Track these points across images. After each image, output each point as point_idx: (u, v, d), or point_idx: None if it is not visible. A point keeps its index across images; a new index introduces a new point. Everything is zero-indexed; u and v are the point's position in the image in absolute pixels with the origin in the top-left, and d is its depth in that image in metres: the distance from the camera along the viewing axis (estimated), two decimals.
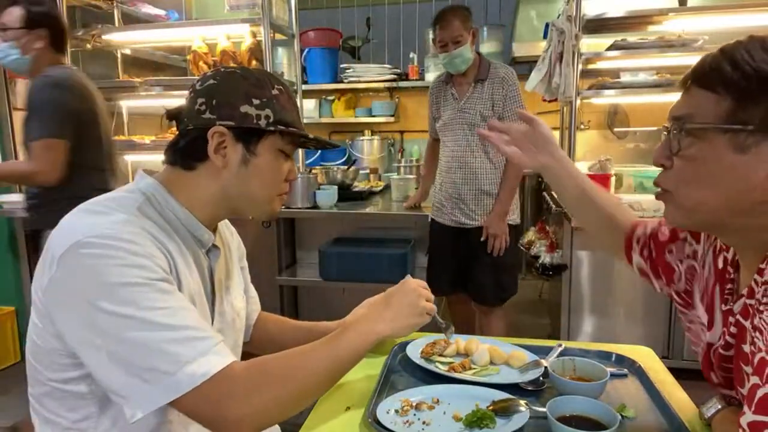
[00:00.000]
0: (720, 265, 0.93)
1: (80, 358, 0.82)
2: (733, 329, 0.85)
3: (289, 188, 1.05)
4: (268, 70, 2.94)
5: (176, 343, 0.78)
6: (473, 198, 2.60)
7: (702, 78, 0.76)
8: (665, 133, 0.83)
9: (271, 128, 0.93)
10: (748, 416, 0.66)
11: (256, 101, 0.93)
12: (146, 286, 0.79)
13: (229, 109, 0.92)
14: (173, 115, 0.98)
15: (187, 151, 0.95)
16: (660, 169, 0.84)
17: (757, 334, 0.71)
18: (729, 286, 0.90)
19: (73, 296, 0.79)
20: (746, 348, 0.79)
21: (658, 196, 0.86)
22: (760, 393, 0.65)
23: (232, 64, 3.10)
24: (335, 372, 0.90)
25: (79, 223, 0.84)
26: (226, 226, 1.16)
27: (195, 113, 0.93)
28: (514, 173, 2.59)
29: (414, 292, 1.00)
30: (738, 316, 0.84)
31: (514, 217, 2.71)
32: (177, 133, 0.97)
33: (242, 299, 1.15)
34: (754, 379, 0.67)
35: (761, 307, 0.72)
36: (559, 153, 1.09)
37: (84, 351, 0.80)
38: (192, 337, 0.79)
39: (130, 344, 0.77)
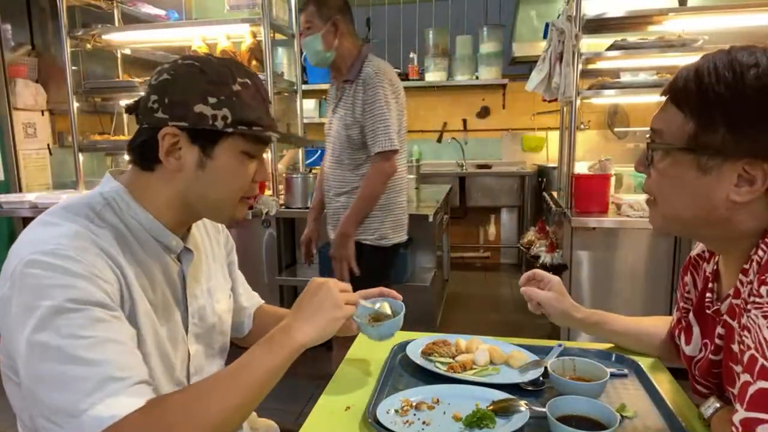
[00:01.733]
0: (701, 280, 0.98)
1: None
2: (721, 330, 0.86)
3: (285, 191, 1.02)
4: (268, 70, 2.94)
5: (88, 382, 0.72)
6: (337, 213, 2.28)
7: (675, 95, 0.80)
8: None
9: (229, 129, 0.86)
10: (740, 413, 0.67)
11: (212, 99, 0.85)
12: (76, 312, 0.74)
13: (182, 109, 0.85)
14: (132, 108, 0.92)
15: (141, 150, 0.89)
16: None
17: (745, 332, 0.72)
18: (708, 295, 0.93)
19: (12, 318, 0.76)
20: (735, 347, 0.80)
21: (647, 202, 0.90)
22: (751, 390, 0.66)
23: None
24: (249, 401, 0.82)
25: (30, 238, 0.81)
26: (210, 223, 1.11)
27: (148, 110, 0.87)
28: (368, 191, 2.14)
29: (322, 287, 0.93)
30: (725, 317, 0.85)
31: (373, 237, 2.23)
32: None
33: (227, 300, 1.11)
34: (745, 377, 0.68)
35: (748, 306, 0.74)
36: (572, 305, 1.17)
37: (21, 371, 0.76)
38: (107, 376, 0.73)
39: (42, 379, 0.73)
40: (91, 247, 0.80)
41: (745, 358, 0.69)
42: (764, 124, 0.72)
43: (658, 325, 1.17)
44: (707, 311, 0.93)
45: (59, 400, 0.71)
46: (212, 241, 1.10)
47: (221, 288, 1.09)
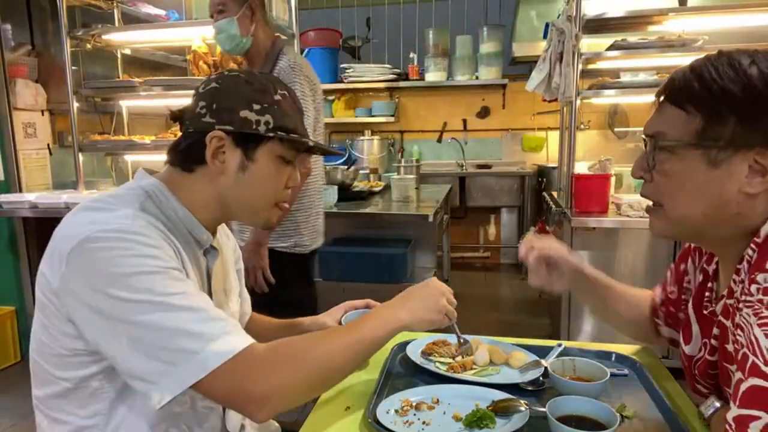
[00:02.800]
0: (701, 278, 0.98)
1: (101, 353, 0.82)
2: (716, 330, 0.87)
3: (290, 197, 1.05)
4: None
5: (197, 323, 0.78)
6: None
7: (673, 95, 0.80)
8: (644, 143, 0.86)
9: (270, 134, 0.93)
10: (733, 411, 0.67)
11: (256, 106, 0.92)
12: (159, 274, 0.80)
13: (228, 114, 0.91)
14: (177, 115, 0.98)
15: (186, 153, 0.95)
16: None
17: (739, 331, 0.73)
18: (707, 294, 0.93)
19: (87, 291, 0.79)
20: (729, 347, 0.81)
21: (647, 207, 0.89)
22: (743, 387, 0.67)
23: (233, 65, 3.10)
24: (356, 354, 0.89)
25: (84, 220, 0.84)
26: (222, 228, 1.15)
27: (196, 116, 0.93)
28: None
29: (436, 290, 1.01)
30: (720, 317, 0.86)
31: (288, 245, 2.10)
32: (180, 134, 0.97)
33: (238, 303, 1.15)
34: (738, 375, 0.69)
35: (740, 305, 0.74)
36: (574, 265, 1.12)
37: (105, 342, 0.80)
38: (211, 317, 0.80)
39: (150, 327, 0.77)
40: (150, 227, 0.85)
41: (739, 356, 0.70)
42: None
43: (647, 297, 1.16)
44: (705, 312, 0.94)
45: (178, 343, 0.77)
46: (225, 245, 1.14)
47: (233, 290, 1.13)
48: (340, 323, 1.18)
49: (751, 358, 0.67)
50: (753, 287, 0.71)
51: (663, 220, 0.85)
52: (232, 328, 0.81)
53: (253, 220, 1.03)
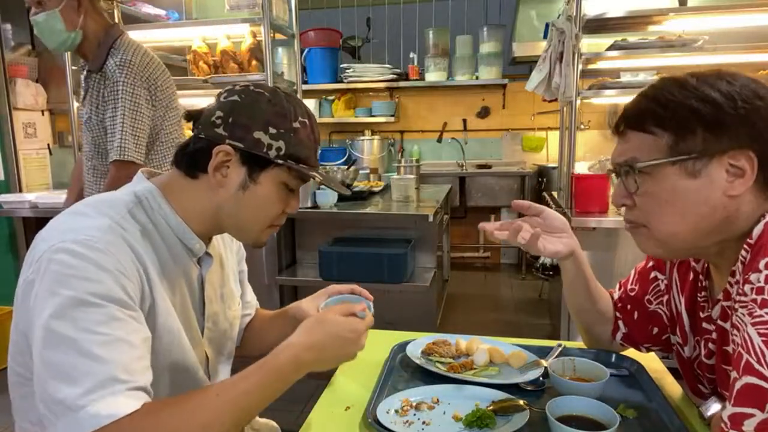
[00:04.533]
0: (691, 276, 0.98)
1: None
2: (714, 335, 0.87)
3: (284, 221, 1.02)
4: (268, 70, 2.94)
5: (92, 378, 0.71)
6: None
7: (634, 122, 0.84)
8: (613, 174, 0.89)
9: (279, 161, 0.91)
10: (728, 409, 0.68)
11: (272, 130, 0.90)
12: (95, 307, 0.75)
13: (242, 131, 0.89)
14: (192, 116, 0.96)
15: (192, 157, 0.93)
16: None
17: (735, 331, 0.74)
18: (703, 293, 0.93)
19: (33, 302, 0.78)
20: (729, 349, 0.81)
21: (630, 229, 0.90)
22: (738, 385, 0.68)
23: (233, 65, 3.09)
24: (243, 416, 0.81)
25: (61, 226, 0.83)
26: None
27: (210, 124, 0.91)
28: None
29: (356, 347, 0.91)
30: (718, 321, 0.86)
31: None
32: (191, 135, 0.96)
33: (237, 308, 1.13)
34: (733, 374, 0.70)
35: (736, 305, 0.75)
36: (576, 242, 1.10)
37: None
38: (112, 377, 0.72)
39: (51, 366, 0.73)
40: (120, 243, 0.82)
41: (735, 355, 0.71)
42: (735, 118, 0.76)
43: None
44: (701, 314, 0.94)
45: (62, 392, 0.71)
46: (227, 248, 1.12)
47: (233, 295, 1.11)
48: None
49: (745, 356, 0.67)
50: (747, 287, 0.72)
51: (651, 239, 0.86)
52: (127, 389, 0.73)
53: (243, 237, 1.02)
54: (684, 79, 0.82)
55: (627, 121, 0.86)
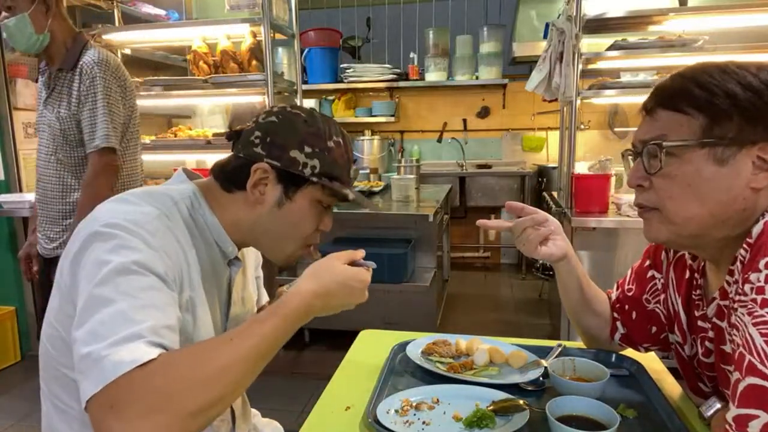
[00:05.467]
0: (687, 275, 0.98)
1: None
2: (711, 333, 0.87)
3: (318, 240, 1.03)
4: (268, 70, 2.94)
5: (120, 333, 0.71)
6: (53, 220, 2.05)
7: (669, 101, 0.81)
8: (630, 156, 0.87)
9: (314, 179, 0.94)
10: (732, 411, 0.68)
11: (308, 149, 0.93)
12: (138, 275, 0.77)
13: (279, 150, 0.93)
14: (233, 136, 0.99)
15: (231, 174, 0.96)
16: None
17: (734, 331, 0.74)
18: (698, 291, 0.93)
19: (83, 272, 0.79)
20: (727, 348, 0.81)
21: (642, 213, 0.89)
22: (741, 386, 0.67)
23: (233, 65, 3.09)
24: (259, 364, 0.79)
25: (110, 209, 0.86)
26: None
27: (249, 143, 0.94)
28: (91, 197, 1.89)
29: (360, 291, 0.93)
30: (714, 319, 0.86)
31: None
32: (231, 154, 0.98)
33: (254, 312, 1.16)
34: (736, 375, 0.69)
35: (735, 305, 0.75)
36: (569, 244, 1.09)
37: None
38: (137, 333, 0.72)
39: (85, 323, 0.73)
40: (166, 231, 0.85)
41: (735, 356, 0.70)
42: None
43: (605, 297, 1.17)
44: (696, 312, 0.94)
45: (89, 346, 0.71)
46: (248, 253, 1.14)
47: (251, 299, 1.14)
48: None
49: (748, 357, 0.67)
50: (747, 287, 0.72)
51: (663, 223, 0.84)
52: (148, 340, 0.72)
53: (276, 255, 1.03)
54: (725, 64, 0.79)
55: (659, 99, 0.83)
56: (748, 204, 0.78)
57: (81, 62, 1.93)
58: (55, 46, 1.98)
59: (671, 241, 0.88)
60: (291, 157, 0.93)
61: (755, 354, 0.66)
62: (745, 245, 0.76)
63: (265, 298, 1.26)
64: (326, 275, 0.90)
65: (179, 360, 0.73)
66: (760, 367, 0.65)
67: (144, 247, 0.80)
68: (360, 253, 0.97)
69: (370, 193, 3.40)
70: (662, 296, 1.05)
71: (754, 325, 0.68)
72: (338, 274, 0.90)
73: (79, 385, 0.72)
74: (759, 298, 0.69)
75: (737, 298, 0.75)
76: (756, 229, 0.75)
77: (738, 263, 0.78)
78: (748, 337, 0.68)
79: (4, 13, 1.92)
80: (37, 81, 2.13)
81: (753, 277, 0.71)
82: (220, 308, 1.00)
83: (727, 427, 0.67)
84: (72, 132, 1.98)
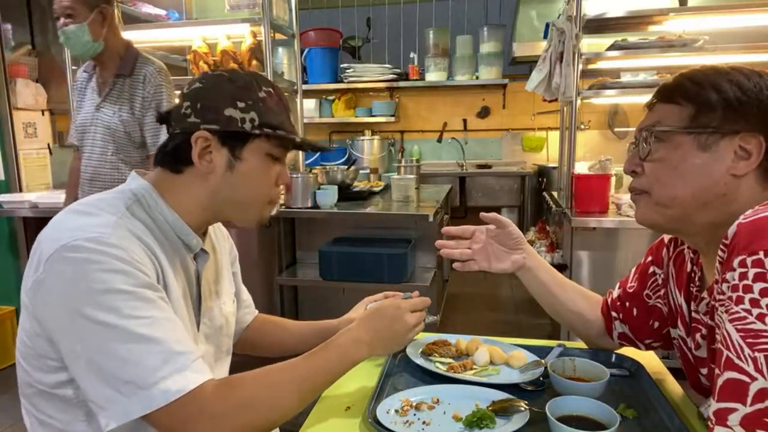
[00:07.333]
0: (687, 268, 1.00)
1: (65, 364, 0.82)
2: (704, 330, 0.89)
3: (286, 191, 1.06)
4: (268, 70, 2.94)
5: (154, 356, 0.77)
6: None
7: (666, 94, 0.90)
8: (634, 146, 0.94)
9: (257, 131, 0.92)
10: (713, 405, 0.69)
11: (241, 104, 0.91)
12: (129, 294, 0.78)
13: (213, 113, 0.90)
14: (163, 117, 0.97)
15: (174, 154, 0.94)
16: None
17: (717, 329, 0.77)
18: (697, 283, 0.95)
19: (57, 300, 0.78)
20: (715, 347, 0.82)
21: (633, 197, 0.95)
22: (720, 381, 0.69)
23: (233, 65, 3.09)
24: (309, 394, 0.90)
25: (67, 225, 0.83)
26: (219, 229, 1.15)
27: (181, 116, 0.92)
28: None
29: (400, 317, 1.00)
30: (705, 318, 0.88)
31: None
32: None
33: (232, 304, 1.14)
34: (717, 371, 0.71)
35: (717, 304, 0.78)
36: (532, 251, 1.20)
37: (67, 356, 0.80)
38: (171, 351, 0.78)
39: (108, 354, 0.76)
40: (129, 236, 0.85)
41: (716, 353, 0.73)
42: (755, 104, 0.82)
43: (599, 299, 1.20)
44: (695, 305, 0.96)
45: (130, 374, 0.76)
46: (220, 248, 1.13)
47: (227, 292, 1.12)
48: None
49: (726, 352, 0.69)
50: (724, 286, 0.74)
51: (650, 205, 0.91)
52: (191, 363, 0.79)
53: (244, 218, 1.01)
54: (722, 65, 0.88)
55: (660, 95, 0.91)
56: (729, 189, 0.83)
57: (144, 71, 2.15)
58: (108, 54, 2.16)
59: (657, 223, 0.93)
60: (227, 116, 0.90)
61: (732, 349, 0.68)
62: (722, 246, 0.78)
63: (245, 292, 1.25)
64: (366, 313, 1.02)
65: (231, 388, 0.83)
66: (736, 361, 0.67)
67: (119, 265, 0.79)
68: (399, 295, 1.09)
69: (370, 193, 3.40)
70: (663, 291, 1.07)
71: (731, 321, 0.70)
72: (376, 309, 1.01)
73: (108, 406, 0.76)
74: (734, 295, 0.71)
75: (717, 297, 0.77)
76: (731, 231, 0.76)
77: (717, 264, 0.80)
78: (725, 334, 0.70)
79: (63, 20, 2.08)
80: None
81: (729, 276, 0.73)
82: (192, 302, 0.99)
83: (709, 423, 0.69)
84: (136, 134, 2.17)
